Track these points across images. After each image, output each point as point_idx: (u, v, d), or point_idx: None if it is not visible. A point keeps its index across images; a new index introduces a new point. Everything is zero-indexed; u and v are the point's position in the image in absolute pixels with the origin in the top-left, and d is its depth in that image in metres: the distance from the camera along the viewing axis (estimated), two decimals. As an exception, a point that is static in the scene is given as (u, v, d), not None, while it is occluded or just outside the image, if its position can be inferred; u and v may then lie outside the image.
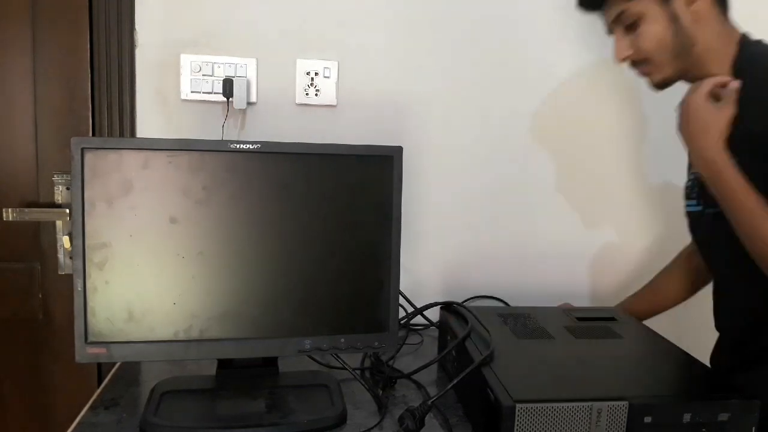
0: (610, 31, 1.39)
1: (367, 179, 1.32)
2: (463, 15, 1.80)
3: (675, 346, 1.41)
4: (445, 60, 1.82)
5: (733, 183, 1.20)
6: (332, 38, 1.78)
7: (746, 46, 1.30)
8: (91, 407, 1.28)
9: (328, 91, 1.79)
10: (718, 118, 1.23)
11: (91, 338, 1.22)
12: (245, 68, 1.75)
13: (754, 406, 1.12)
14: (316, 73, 1.77)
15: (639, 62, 1.37)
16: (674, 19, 1.29)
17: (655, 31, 1.31)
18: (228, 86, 1.70)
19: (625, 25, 1.34)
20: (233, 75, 1.74)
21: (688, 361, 1.32)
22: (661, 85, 1.37)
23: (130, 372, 1.46)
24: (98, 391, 1.37)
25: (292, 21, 1.75)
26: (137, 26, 1.72)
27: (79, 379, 1.82)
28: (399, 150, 1.32)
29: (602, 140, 1.90)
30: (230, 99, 1.71)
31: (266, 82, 1.77)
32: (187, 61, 1.73)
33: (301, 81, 1.77)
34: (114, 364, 1.50)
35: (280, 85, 1.77)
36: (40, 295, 1.81)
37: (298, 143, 1.30)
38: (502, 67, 1.83)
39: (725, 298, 1.43)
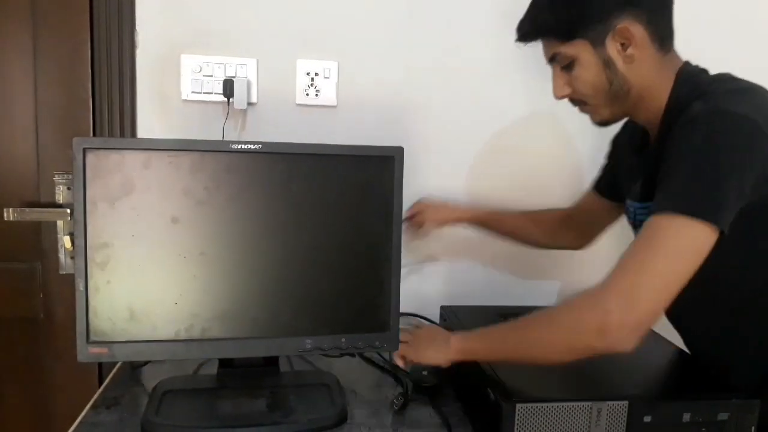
0: (550, 64, 1.33)
1: (368, 179, 1.32)
2: (463, 14, 1.80)
3: (675, 345, 1.41)
4: (445, 59, 1.82)
5: (495, 348, 1.23)
6: (332, 38, 1.78)
7: (680, 84, 1.23)
8: (93, 407, 1.29)
9: (328, 92, 1.79)
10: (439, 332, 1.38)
11: (92, 338, 1.23)
12: (245, 68, 1.75)
13: (754, 405, 1.13)
14: (316, 74, 1.78)
15: (577, 101, 1.32)
16: (608, 64, 1.23)
17: (588, 75, 1.25)
18: (228, 86, 1.70)
19: (561, 65, 1.28)
20: (233, 75, 1.74)
21: (687, 360, 1.33)
22: (602, 124, 1.33)
23: (132, 371, 1.47)
24: (99, 390, 1.37)
25: (292, 21, 1.75)
26: (137, 26, 1.72)
27: (80, 379, 1.82)
28: (400, 150, 1.32)
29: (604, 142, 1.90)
30: (230, 99, 1.71)
31: (266, 82, 1.77)
32: (187, 61, 1.73)
33: (301, 81, 1.77)
34: (115, 363, 1.50)
35: (280, 85, 1.77)
36: (41, 295, 1.81)
37: (299, 143, 1.30)
38: (503, 67, 1.84)
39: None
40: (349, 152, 1.32)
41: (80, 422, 1.23)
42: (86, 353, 1.23)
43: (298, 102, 1.78)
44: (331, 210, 1.31)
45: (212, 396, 1.31)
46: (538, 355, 1.16)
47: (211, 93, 1.74)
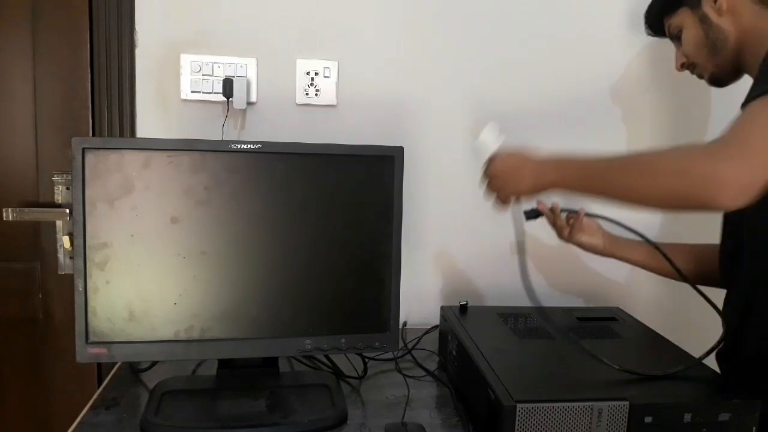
0: (673, 43, 1.51)
1: (368, 179, 1.32)
2: (463, 14, 1.80)
3: (675, 345, 1.41)
4: (445, 59, 1.82)
5: (591, 184, 1.18)
6: (332, 38, 1.77)
7: None
8: (92, 407, 1.29)
9: (328, 91, 1.79)
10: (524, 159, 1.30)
11: (92, 338, 1.22)
12: (245, 68, 1.75)
13: (755, 406, 1.12)
14: (316, 73, 1.77)
15: (690, 66, 1.47)
16: (704, 19, 1.38)
17: (691, 35, 1.41)
18: (228, 86, 1.70)
19: (674, 37, 1.48)
20: (233, 75, 1.74)
21: (688, 360, 1.32)
22: (714, 81, 1.44)
23: (130, 372, 1.46)
24: (99, 391, 1.37)
25: (292, 21, 1.75)
26: (137, 26, 1.72)
27: (79, 379, 1.82)
28: (400, 150, 1.32)
29: (604, 141, 1.90)
30: (230, 99, 1.71)
31: (266, 82, 1.77)
32: (187, 60, 1.72)
33: (301, 81, 1.77)
34: (114, 363, 1.50)
35: (280, 85, 1.77)
36: (40, 295, 1.81)
37: (299, 143, 1.30)
38: (502, 67, 1.83)
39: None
40: (348, 152, 1.31)
41: (79, 423, 1.22)
42: (85, 353, 1.23)
43: (298, 102, 1.78)
44: (331, 210, 1.31)
45: (212, 396, 1.30)
46: (634, 198, 1.12)
47: (210, 92, 1.74)
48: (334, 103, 1.80)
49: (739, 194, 1.00)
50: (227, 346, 1.29)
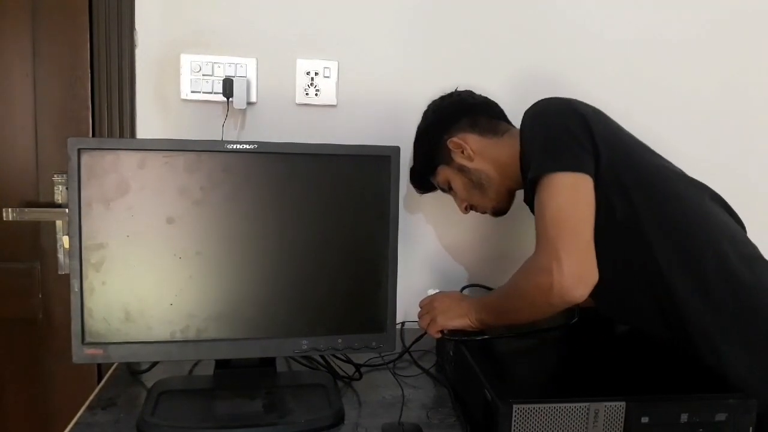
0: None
1: (365, 179, 1.31)
2: (463, 15, 1.80)
3: (672, 345, 1.40)
4: (444, 60, 1.81)
5: (497, 313, 1.39)
6: (332, 38, 1.77)
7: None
8: (89, 407, 1.29)
9: (328, 91, 1.79)
10: (458, 301, 1.50)
11: (88, 339, 1.22)
12: (245, 68, 1.75)
13: (752, 405, 1.11)
14: (316, 73, 1.77)
15: (472, 207, 1.62)
16: (461, 168, 1.55)
17: (458, 185, 1.59)
18: (228, 86, 1.70)
19: (447, 189, 1.64)
20: (233, 75, 1.74)
21: (685, 360, 1.32)
22: (496, 213, 1.61)
23: (128, 372, 1.46)
24: (96, 391, 1.37)
25: (292, 21, 1.75)
26: (137, 26, 1.72)
27: (79, 379, 1.82)
28: (396, 150, 1.32)
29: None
30: (230, 99, 1.71)
31: (266, 82, 1.77)
32: (187, 61, 1.73)
33: (301, 81, 1.77)
34: (112, 364, 1.50)
35: (280, 85, 1.77)
36: (40, 295, 1.82)
37: (295, 143, 1.29)
38: (501, 67, 1.83)
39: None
40: (345, 152, 1.31)
41: (76, 423, 1.23)
42: (81, 354, 1.23)
43: (297, 101, 1.78)
44: (327, 210, 1.30)
45: (209, 397, 1.31)
46: (524, 319, 1.35)
47: (210, 92, 1.74)
48: (334, 103, 1.80)
49: (579, 285, 1.20)
50: (223, 347, 1.28)
